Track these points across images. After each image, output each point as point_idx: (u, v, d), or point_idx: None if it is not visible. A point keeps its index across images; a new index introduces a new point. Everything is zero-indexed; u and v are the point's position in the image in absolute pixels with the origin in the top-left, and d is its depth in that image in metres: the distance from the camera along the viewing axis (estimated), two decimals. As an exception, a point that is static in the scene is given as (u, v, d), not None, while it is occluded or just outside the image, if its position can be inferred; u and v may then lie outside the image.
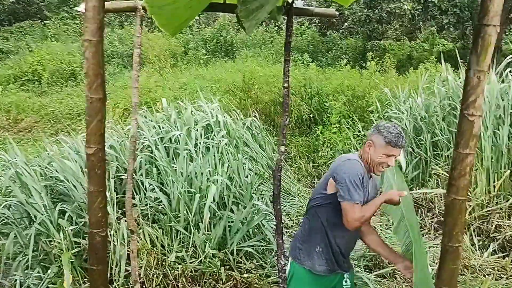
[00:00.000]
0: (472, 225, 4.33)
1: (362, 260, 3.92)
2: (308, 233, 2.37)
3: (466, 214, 4.37)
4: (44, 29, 17.43)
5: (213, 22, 18.89)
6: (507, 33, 12.50)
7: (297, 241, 2.43)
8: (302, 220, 2.56)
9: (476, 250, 4.04)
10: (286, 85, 2.27)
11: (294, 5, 2.13)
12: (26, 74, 12.48)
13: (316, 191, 2.39)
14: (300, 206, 5.00)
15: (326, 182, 2.28)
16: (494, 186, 4.47)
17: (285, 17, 2.18)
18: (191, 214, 3.65)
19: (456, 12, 10.97)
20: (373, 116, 6.57)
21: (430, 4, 10.96)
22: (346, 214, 2.11)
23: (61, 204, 3.54)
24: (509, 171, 4.42)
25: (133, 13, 2.00)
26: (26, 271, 3.40)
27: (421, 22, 13.11)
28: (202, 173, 3.89)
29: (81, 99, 10.70)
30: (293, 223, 4.61)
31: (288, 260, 2.43)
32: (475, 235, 4.20)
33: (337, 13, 2.17)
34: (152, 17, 1.33)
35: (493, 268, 3.80)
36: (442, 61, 6.16)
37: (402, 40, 16.53)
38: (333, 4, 13.38)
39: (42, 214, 3.45)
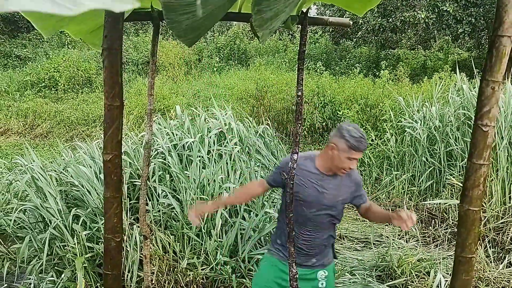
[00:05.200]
0: (487, 236, 4.27)
1: (374, 270, 3.88)
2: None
3: (481, 225, 4.32)
4: (61, 36, 17.75)
5: (227, 30, 19.01)
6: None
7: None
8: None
9: (491, 262, 3.97)
10: (299, 93, 2.28)
11: (308, 15, 2.15)
12: (43, 80, 12.69)
13: None
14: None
15: None
16: (510, 197, 4.41)
17: (299, 26, 2.20)
18: (203, 221, 3.66)
19: (471, 21, 10.88)
20: (386, 125, 6.54)
21: (445, 13, 10.89)
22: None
23: (75, 209, 3.59)
24: (525, 182, 4.36)
25: (150, 22, 2.03)
26: (40, 275, 3.44)
27: (435, 31, 13.02)
28: (214, 180, 3.91)
29: (96, 105, 10.85)
30: (305, 232, 4.58)
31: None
32: (490, 247, 4.13)
33: (351, 22, 2.18)
34: (169, 28, 1.36)
35: (508, 280, 3.73)
36: (457, 70, 6.12)
37: (416, 49, 16.45)
38: (346, 13, 13.38)
39: (57, 219, 3.49)
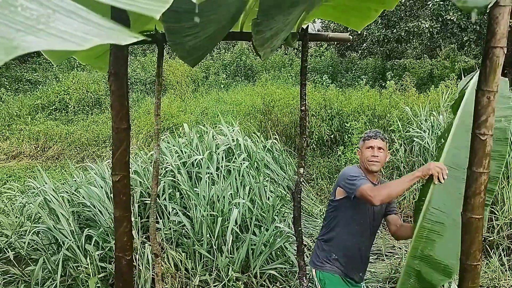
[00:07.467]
0: (501, 244, 4.22)
1: (387, 282, 3.85)
2: (325, 241, 2.51)
3: (494, 232, 4.27)
4: (70, 59, 18.04)
5: (232, 47, 19.20)
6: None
7: (316, 249, 2.58)
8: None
9: (506, 270, 3.92)
10: (303, 108, 2.32)
11: (308, 31, 2.19)
12: (54, 103, 12.89)
13: (328, 204, 2.58)
14: (323, 228, 4.96)
15: (333, 193, 2.49)
16: (522, 204, 4.36)
17: (301, 42, 2.24)
18: (214, 238, 3.68)
19: (476, 29, 10.89)
20: (394, 135, 6.53)
21: (449, 22, 10.93)
22: (365, 197, 2.17)
23: (87, 230, 3.63)
24: (536, 188, 4.31)
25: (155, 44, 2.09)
26: (54, 296, 3.47)
27: (440, 40, 13.05)
28: (224, 197, 3.93)
29: (106, 126, 10.98)
30: (316, 245, 4.57)
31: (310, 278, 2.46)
32: (504, 255, 4.08)
33: (350, 37, 2.22)
34: (172, 50, 1.40)
35: (525, 289, 3.68)
36: (463, 78, 6.12)
37: (422, 58, 16.45)
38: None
39: (70, 240, 3.53)
